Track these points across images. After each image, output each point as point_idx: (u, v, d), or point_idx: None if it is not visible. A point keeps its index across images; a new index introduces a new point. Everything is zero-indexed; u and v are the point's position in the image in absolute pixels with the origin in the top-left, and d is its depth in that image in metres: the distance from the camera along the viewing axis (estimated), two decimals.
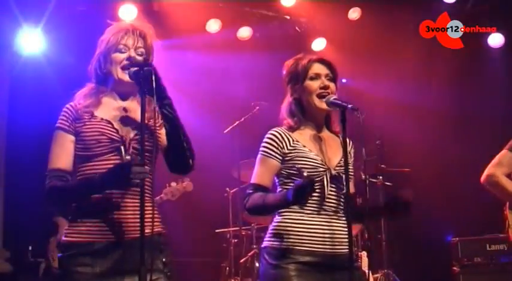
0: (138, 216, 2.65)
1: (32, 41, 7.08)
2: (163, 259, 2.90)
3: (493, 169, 4.52)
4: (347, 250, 3.15)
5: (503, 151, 4.58)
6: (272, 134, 3.28)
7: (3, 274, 6.77)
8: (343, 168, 3.18)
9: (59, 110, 2.99)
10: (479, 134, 7.63)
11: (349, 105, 3.07)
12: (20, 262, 7.01)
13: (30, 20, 6.96)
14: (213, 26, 7.71)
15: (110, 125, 2.87)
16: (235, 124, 6.77)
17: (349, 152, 3.35)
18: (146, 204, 2.72)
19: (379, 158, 6.90)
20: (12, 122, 7.37)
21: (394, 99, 8.78)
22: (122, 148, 2.84)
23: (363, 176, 6.35)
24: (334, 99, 3.18)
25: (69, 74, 6.89)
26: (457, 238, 5.60)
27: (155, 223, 2.86)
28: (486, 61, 8.02)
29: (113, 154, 2.84)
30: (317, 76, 3.28)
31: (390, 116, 8.51)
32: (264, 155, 3.26)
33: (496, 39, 7.80)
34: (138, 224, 2.61)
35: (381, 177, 7.09)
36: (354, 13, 7.83)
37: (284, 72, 3.41)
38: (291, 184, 3.19)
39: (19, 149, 7.24)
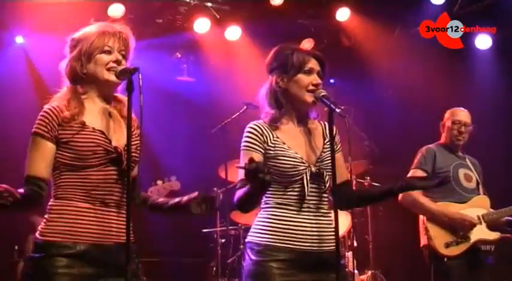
0: (121, 221, 2.69)
1: (17, 39, 7.08)
2: (139, 265, 2.93)
3: None
4: (332, 248, 3.13)
5: (412, 170, 5.10)
6: (252, 127, 3.23)
7: None
8: (324, 163, 3.19)
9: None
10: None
11: (337, 110, 3.03)
12: (6, 262, 6.98)
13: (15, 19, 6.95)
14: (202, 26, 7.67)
15: (103, 136, 2.85)
16: (222, 124, 6.75)
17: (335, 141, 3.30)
18: (123, 211, 2.79)
19: (368, 158, 6.90)
20: None
21: (385, 99, 8.83)
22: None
23: (350, 177, 6.37)
24: (323, 95, 3.14)
25: (56, 73, 6.89)
26: None
27: (132, 231, 2.87)
28: (475, 62, 8.03)
29: (109, 165, 2.83)
30: (311, 71, 3.23)
31: (380, 117, 8.54)
32: (246, 149, 3.19)
33: (483, 41, 7.78)
34: (121, 229, 2.66)
35: (368, 178, 7.10)
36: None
37: (271, 57, 3.34)
38: (273, 183, 3.13)
39: (3, 150, 7.21)
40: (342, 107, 3.08)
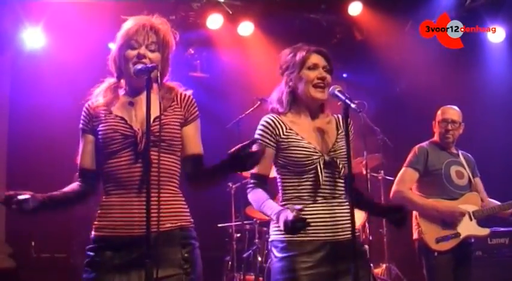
0: (159, 210, 2.69)
1: (33, 38, 7.12)
2: (185, 255, 2.91)
3: (398, 186, 5.21)
4: (350, 237, 3.15)
5: (403, 169, 5.27)
6: (265, 121, 3.31)
7: (6, 269, 6.79)
8: (337, 152, 3.25)
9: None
10: (479, 129, 7.63)
11: (353, 105, 3.07)
12: (23, 258, 7.03)
13: (31, 17, 6.99)
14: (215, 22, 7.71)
15: (122, 122, 2.90)
16: (237, 119, 6.77)
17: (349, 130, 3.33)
18: (169, 198, 2.86)
19: (381, 152, 6.91)
20: (14, 117, 7.38)
21: (397, 93, 8.82)
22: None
23: (364, 171, 6.39)
24: (339, 91, 3.18)
25: (69, 70, 6.93)
26: None
27: (178, 217, 2.93)
28: (486, 56, 8.01)
29: (126, 151, 2.86)
30: (315, 66, 3.30)
31: (391, 111, 8.54)
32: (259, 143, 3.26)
33: (496, 34, 7.71)
34: (159, 219, 2.66)
35: (382, 171, 7.11)
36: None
37: (281, 60, 3.42)
38: (288, 174, 3.24)
39: (21, 144, 7.26)
40: (356, 102, 3.12)
